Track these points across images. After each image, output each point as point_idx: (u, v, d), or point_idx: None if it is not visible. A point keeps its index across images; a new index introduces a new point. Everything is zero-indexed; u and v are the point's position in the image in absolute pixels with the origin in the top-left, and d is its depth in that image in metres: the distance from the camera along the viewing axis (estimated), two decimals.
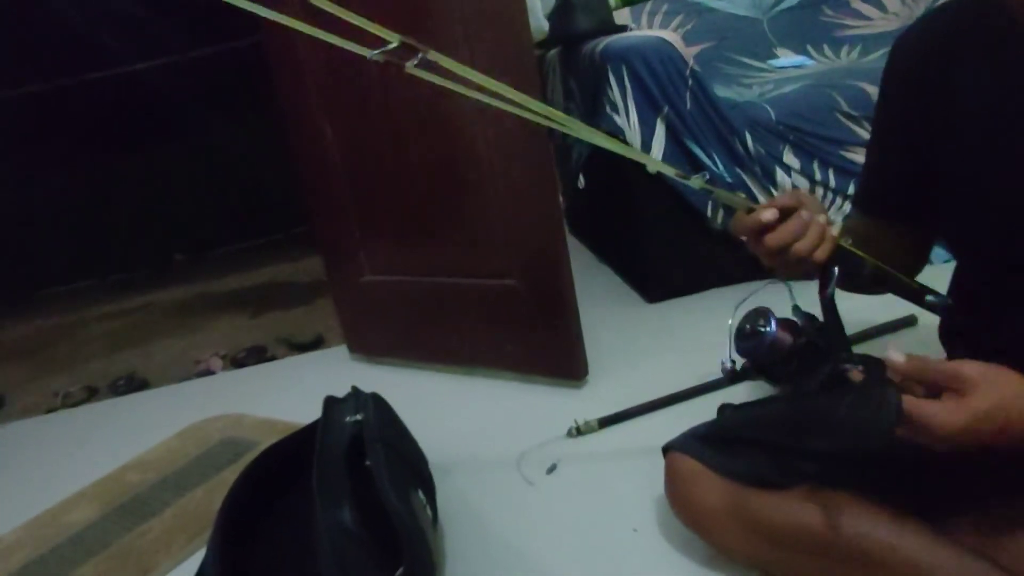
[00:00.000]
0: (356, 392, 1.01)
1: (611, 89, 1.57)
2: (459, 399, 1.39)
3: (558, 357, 1.35)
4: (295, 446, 0.89)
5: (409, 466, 0.83)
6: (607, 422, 1.18)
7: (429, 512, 0.80)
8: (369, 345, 1.61)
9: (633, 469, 1.06)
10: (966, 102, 0.68)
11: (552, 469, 1.10)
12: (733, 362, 0.97)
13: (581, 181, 1.97)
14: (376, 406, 0.91)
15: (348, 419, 0.87)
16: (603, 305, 1.72)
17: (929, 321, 0.83)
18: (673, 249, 1.66)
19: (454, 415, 1.33)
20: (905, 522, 0.71)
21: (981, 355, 0.61)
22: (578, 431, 1.17)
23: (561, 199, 2.34)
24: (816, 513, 0.74)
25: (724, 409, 0.94)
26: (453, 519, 1.02)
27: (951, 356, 0.84)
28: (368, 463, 0.77)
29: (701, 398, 1.21)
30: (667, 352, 1.41)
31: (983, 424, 0.58)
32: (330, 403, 0.92)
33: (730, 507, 0.79)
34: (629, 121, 1.56)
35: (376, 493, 0.73)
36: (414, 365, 1.54)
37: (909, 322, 1.32)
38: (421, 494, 0.80)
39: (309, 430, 0.90)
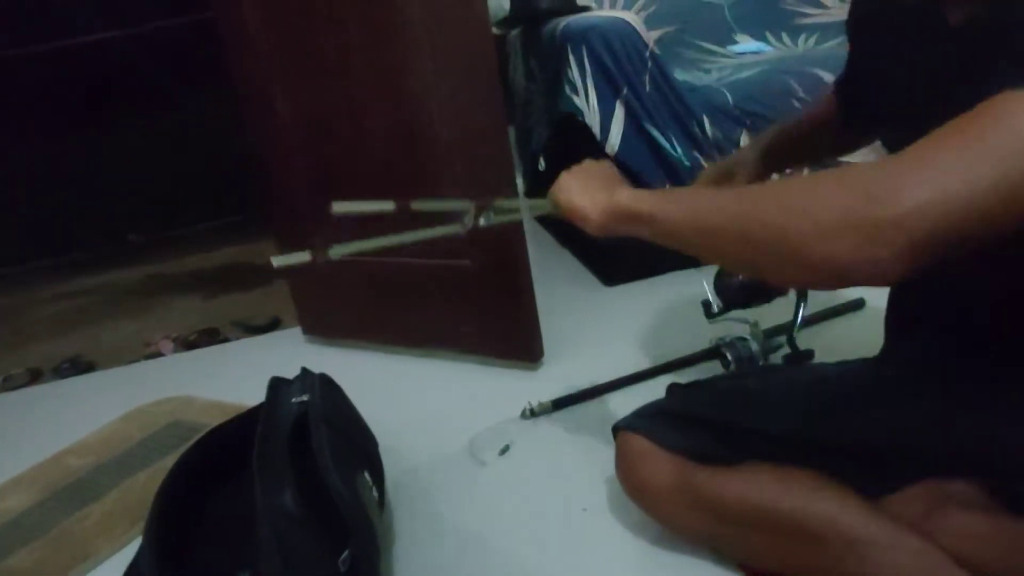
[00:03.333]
0: (304, 373, 0.99)
1: (571, 69, 1.56)
2: (414, 381, 1.38)
3: (514, 339, 1.34)
4: (239, 428, 0.87)
5: (355, 448, 0.82)
6: (561, 403, 1.18)
7: (375, 494, 0.79)
8: (324, 327, 1.58)
9: (585, 449, 1.07)
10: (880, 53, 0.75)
11: (505, 450, 1.09)
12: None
13: (542, 164, 1.96)
14: (323, 387, 0.90)
15: (294, 400, 0.85)
16: (562, 288, 1.72)
17: (879, 304, 0.86)
18: None
19: (408, 397, 1.32)
20: (846, 497, 0.72)
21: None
22: (532, 412, 1.17)
23: (522, 182, 2.33)
24: (761, 488, 0.75)
25: (673, 388, 0.95)
26: (404, 501, 1.01)
27: (889, 334, 0.86)
28: (313, 445, 0.76)
29: (655, 380, 1.22)
30: (624, 335, 1.42)
31: (594, 209, 0.75)
32: (275, 384, 0.90)
33: (679, 484, 0.80)
34: (588, 102, 1.55)
35: (319, 475, 0.71)
36: (370, 347, 1.52)
37: (857, 305, 1.35)
38: (368, 476, 0.78)
39: (254, 412, 0.88)
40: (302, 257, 0.87)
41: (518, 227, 1.26)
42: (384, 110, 1.31)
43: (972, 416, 0.70)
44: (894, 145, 0.71)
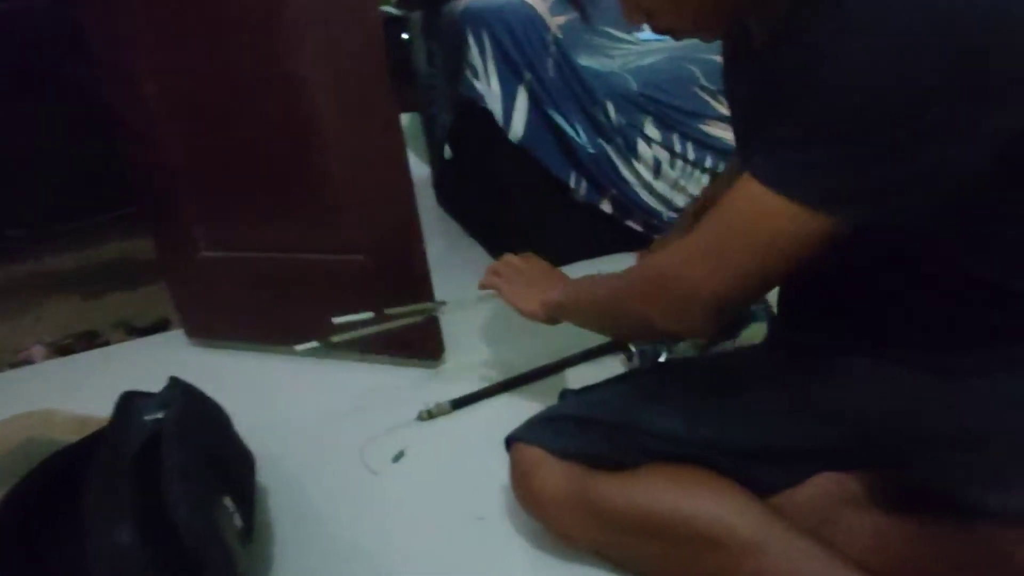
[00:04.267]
0: (171, 384, 0.90)
1: (471, 53, 1.49)
2: (306, 385, 1.29)
3: (412, 337, 1.28)
4: (86, 451, 0.77)
5: (218, 470, 0.73)
6: (460, 404, 1.13)
7: (239, 521, 0.71)
8: (209, 328, 1.47)
9: (485, 452, 1.01)
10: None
11: (399, 457, 1.03)
12: None
13: (448, 151, 1.89)
14: (186, 401, 0.80)
15: (147, 418, 0.76)
16: (468, 281, 1.65)
17: None
18: (538, 221, 1.62)
19: (299, 402, 1.23)
20: (744, 500, 0.71)
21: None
22: (429, 415, 1.11)
23: (430, 172, 2.25)
24: (657, 493, 0.73)
25: (565, 394, 0.91)
26: (288, 520, 0.94)
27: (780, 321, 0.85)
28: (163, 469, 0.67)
29: (560, 375, 1.18)
30: (530, 328, 1.37)
31: (537, 301, 0.97)
32: (126, 400, 0.80)
33: (572, 493, 0.77)
34: (490, 87, 1.49)
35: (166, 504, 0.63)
36: (259, 348, 1.42)
37: None
38: (230, 502, 0.70)
39: (103, 432, 0.78)
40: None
41: (412, 217, 1.19)
42: (264, 97, 1.21)
43: (856, 399, 0.69)
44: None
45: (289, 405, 1.22)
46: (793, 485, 0.75)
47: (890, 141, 0.50)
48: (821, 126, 0.52)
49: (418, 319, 1.16)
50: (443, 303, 1.21)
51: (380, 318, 1.09)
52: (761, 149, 0.58)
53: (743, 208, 0.58)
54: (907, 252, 0.61)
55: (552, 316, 0.93)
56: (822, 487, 0.74)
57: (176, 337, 1.59)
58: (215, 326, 1.45)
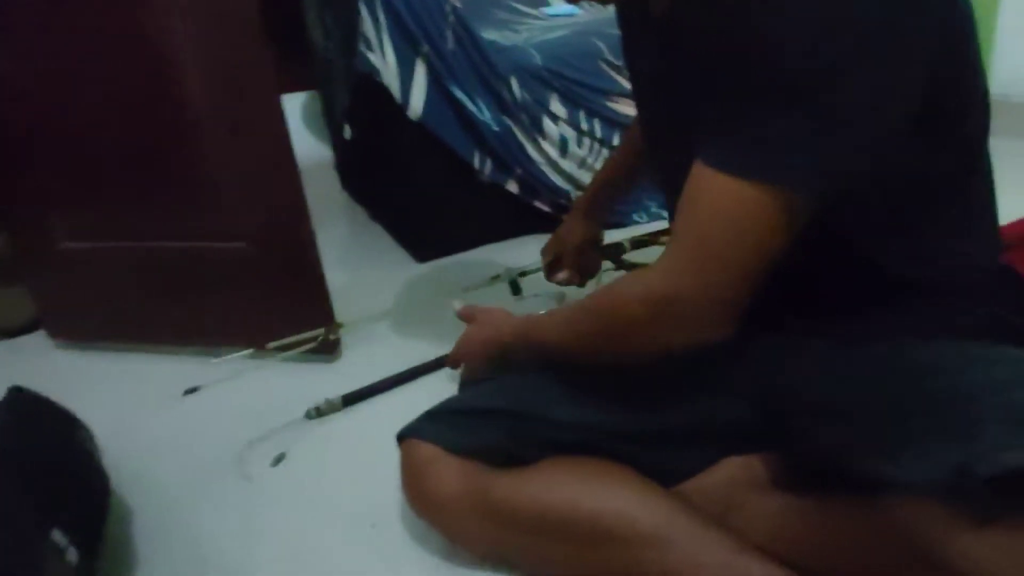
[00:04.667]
0: (8, 395, 0.77)
1: (364, 23, 1.39)
2: (184, 387, 1.16)
3: (304, 329, 1.18)
4: None
5: (47, 499, 0.62)
6: (352, 400, 1.04)
7: (73, 557, 0.60)
8: (75, 328, 1.32)
9: (378, 453, 0.93)
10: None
11: (279, 460, 0.94)
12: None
13: (347, 131, 1.78)
14: (11, 419, 0.68)
15: None
16: (369, 267, 1.57)
17: None
18: (441, 203, 1.54)
19: (175, 407, 1.11)
20: (646, 492, 0.67)
21: None
22: (318, 412, 1.02)
23: (332, 154, 2.13)
24: (558, 489, 0.68)
25: (465, 385, 0.85)
26: (154, 540, 0.83)
27: None
28: None
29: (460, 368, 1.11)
30: (433, 316, 1.30)
31: (479, 344, 0.84)
32: None
33: (469, 492, 0.70)
34: (386, 60, 1.40)
35: None
36: (134, 349, 1.29)
37: None
38: (60, 535, 0.60)
39: None
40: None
41: (298, 199, 1.09)
42: (127, 68, 1.07)
43: (758, 373, 0.68)
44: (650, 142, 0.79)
45: (163, 410, 1.10)
46: (698, 472, 0.72)
47: (828, 100, 0.49)
48: (766, 97, 0.50)
49: (311, 345, 1.11)
50: (340, 325, 1.16)
51: (261, 352, 1.04)
52: (710, 134, 0.55)
53: (721, 205, 0.54)
54: (811, 232, 0.59)
55: (499, 353, 0.82)
56: (727, 473, 0.71)
57: (41, 339, 1.43)
58: (82, 326, 1.30)
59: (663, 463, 0.70)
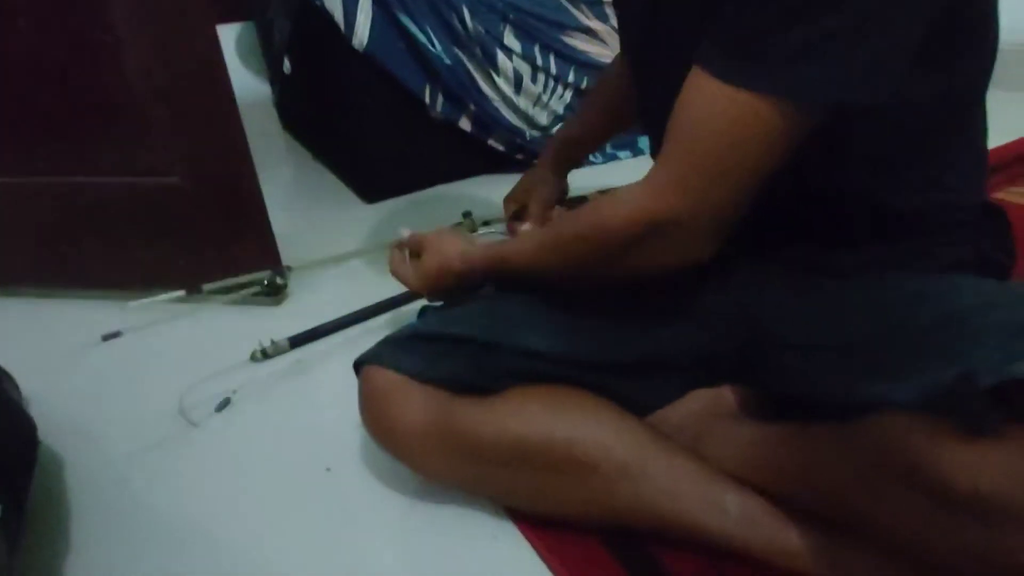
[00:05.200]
0: None
1: None
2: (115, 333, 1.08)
3: (247, 267, 1.11)
4: None
5: None
6: (299, 341, 0.99)
7: None
8: None
9: (330, 395, 0.90)
10: None
11: (224, 405, 0.88)
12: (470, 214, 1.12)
13: (287, 65, 1.67)
14: None
15: None
16: (314, 208, 1.49)
17: None
18: (390, 142, 1.47)
19: (108, 355, 1.03)
20: (620, 420, 0.65)
21: None
22: (263, 354, 0.96)
23: (271, 90, 2.00)
24: (529, 418, 0.65)
25: (425, 311, 0.80)
26: (87, 493, 0.77)
27: None
28: None
29: (413, 306, 1.07)
30: (383, 258, 1.23)
31: (434, 274, 0.80)
32: None
33: (434, 421, 0.67)
34: None
35: None
36: (55, 294, 1.19)
37: None
38: None
39: None
40: None
41: (235, 127, 1.01)
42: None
43: (734, 299, 0.66)
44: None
45: (92, 359, 1.02)
46: (669, 402, 0.71)
47: (835, 12, 0.46)
48: (770, 8, 0.47)
49: (253, 289, 1.04)
50: (289, 268, 1.09)
51: (192, 296, 0.98)
52: (710, 43, 0.52)
53: (719, 118, 0.51)
54: (806, 157, 0.57)
55: (456, 281, 0.79)
56: (697, 403, 0.70)
57: None
58: None
59: (634, 394, 0.69)
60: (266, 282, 1.08)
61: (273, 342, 0.97)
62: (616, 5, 0.77)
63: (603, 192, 1.17)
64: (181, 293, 1.01)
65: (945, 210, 0.61)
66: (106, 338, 1.02)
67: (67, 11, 0.97)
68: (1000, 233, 0.65)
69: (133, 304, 0.99)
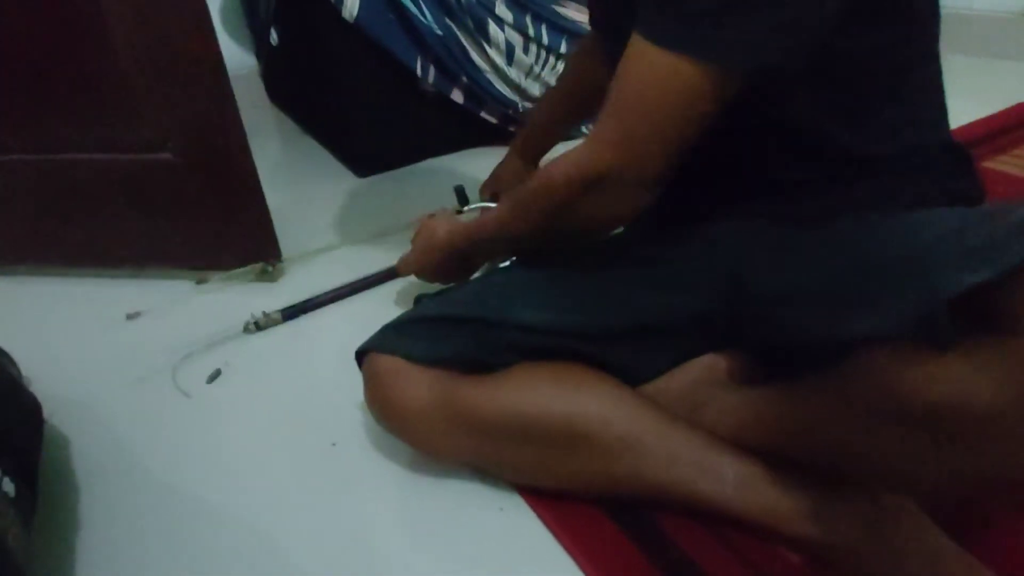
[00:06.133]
0: None
1: None
2: (112, 313, 1.07)
3: (241, 247, 1.11)
4: None
5: None
6: (292, 313, 1.00)
7: (10, 488, 0.55)
8: None
9: (325, 366, 0.91)
10: None
11: (215, 376, 0.89)
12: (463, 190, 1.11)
13: (274, 37, 1.64)
14: None
15: None
16: (305, 183, 1.48)
17: None
18: (381, 114, 1.46)
19: (105, 332, 1.03)
20: (618, 392, 0.67)
21: None
22: (257, 326, 0.98)
23: (256, 63, 1.97)
24: (529, 393, 0.67)
25: (421, 299, 0.81)
26: (93, 469, 0.78)
27: None
28: None
29: (405, 280, 1.07)
30: (376, 233, 1.24)
31: (424, 259, 0.87)
32: None
33: (437, 402, 0.68)
34: None
35: None
36: (50, 272, 1.18)
37: None
38: None
39: None
40: None
41: (229, 106, 1.00)
42: None
43: (720, 260, 0.68)
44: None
45: (89, 337, 1.02)
46: (664, 370, 0.72)
47: None
48: None
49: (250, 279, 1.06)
50: (278, 260, 1.10)
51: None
52: (648, 7, 0.55)
53: (646, 78, 0.56)
54: (767, 117, 0.60)
55: (443, 258, 0.85)
56: (693, 372, 0.72)
57: None
58: None
59: (630, 363, 0.70)
60: (263, 269, 1.08)
61: (265, 314, 0.98)
62: None
63: None
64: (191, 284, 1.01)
65: (906, 153, 0.63)
66: (130, 317, 1.03)
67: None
68: (964, 170, 0.67)
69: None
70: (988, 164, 1.29)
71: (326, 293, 1.03)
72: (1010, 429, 0.44)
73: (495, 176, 1.14)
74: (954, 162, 0.67)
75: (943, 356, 0.46)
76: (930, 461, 0.49)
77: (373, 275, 1.06)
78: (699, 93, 0.54)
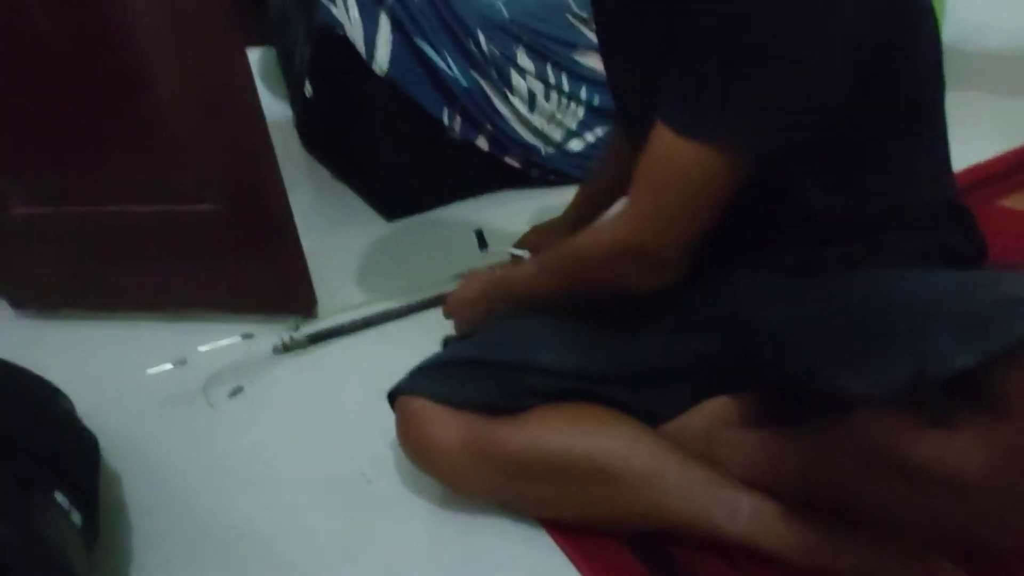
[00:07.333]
0: None
1: None
2: (158, 352, 1.13)
3: (280, 290, 1.17)
4: None
5: (39, 464, 0.62)
6: (317, 338, 1.08)
7: (77, 518, 0.60)
8: (36, 297, 1.28)
9: (346, 389, 0.97)
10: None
11: (237, 392, 0.97)
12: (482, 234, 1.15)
13: (308, 89, 1.73)
14: None
15: None
16: (338, 227, 1.55)
17: None
18: (410, 161, 1.53)
19: (143, 370, 1.09)
20: (636, 431, 0.70)
21: None
22: (284, 347, 1.07)
23: (292, 113, 2.07)
24: (553, 433, 0.70)
25: (448, 341, 0.86)
26: (145, 502, 0.83)
27: None
28: None
29: (427, 314, 1.12)
30: (405, 274, 1.30)
31: (456, 304, 0.92)
32: None
33: (465, 442, 0.72)
34: (349, 14, 1.36)
35: None
36: (100, 316, 1.26)
37: None
38: (62, 497, 0.60)
39: None
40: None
41: (267, 154, 1.06)
42: (82, 21, 1.02)
43: (733, 307, 0.71)
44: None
45: (137, 376, 1.08)
46: (681, 410, 0.75)
47: (761, 64, 0.54)
48: (707, 62, 0.55)
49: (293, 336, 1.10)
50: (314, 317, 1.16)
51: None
52: (666, 93, 0.60)
53: (672, 164, 0.60)
54: (769, 185, 0.64)
55: (481, 308, 0.89)
56: (707, 412, 0.75)
57: (2, 310, 1.38)
58: (42, 294, 1.27)
59: (648, 404, 0.74)
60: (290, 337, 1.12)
61: (292, 337, 1.06)
62: (597, 33, 0.83)
63: None
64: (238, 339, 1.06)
65: (906, 211, 0.67)
66: (176, 364, 1.06)
67: (100, 39, 1.03)
68: (965, 227, 0.70)
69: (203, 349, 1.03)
70: (1006, 202, 1.30)
71: (350, 323, 1.10)
72: (1001, 503, 0.47)
73: (538, 233, 1.15)
74: (955, 219, 0.69)
75: (933, 425, 0.49)
76: (929, 515, 0.52)
77: (399, 307, 1.13)
78: (721, 177, 0.59)
